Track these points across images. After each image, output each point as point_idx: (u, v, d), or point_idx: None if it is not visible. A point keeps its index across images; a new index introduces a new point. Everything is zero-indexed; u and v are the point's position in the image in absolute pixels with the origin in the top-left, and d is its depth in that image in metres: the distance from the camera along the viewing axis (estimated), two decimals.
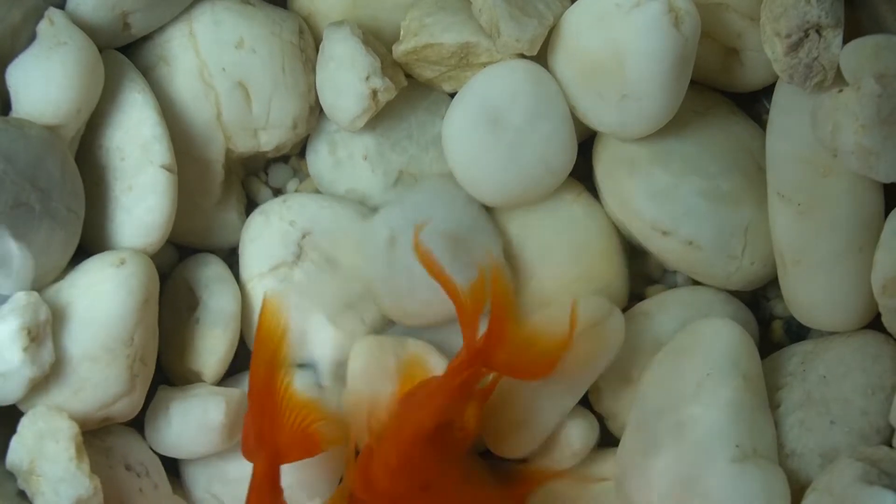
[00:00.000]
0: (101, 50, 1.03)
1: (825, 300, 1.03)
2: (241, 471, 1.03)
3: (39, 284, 0.99)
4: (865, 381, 1.02)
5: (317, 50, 1.10)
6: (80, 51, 1.00)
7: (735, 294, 1.09)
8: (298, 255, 1.07)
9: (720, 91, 1.12)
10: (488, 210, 1.08)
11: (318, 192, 1.12)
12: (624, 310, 1.07)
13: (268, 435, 0.96)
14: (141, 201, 1.03)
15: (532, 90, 1.05)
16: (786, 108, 1.04)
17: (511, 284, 1.00)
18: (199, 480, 1.06)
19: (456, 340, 1.03)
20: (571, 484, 1.05)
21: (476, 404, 0.96)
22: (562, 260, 1.07)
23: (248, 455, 0.96)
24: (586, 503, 1.04)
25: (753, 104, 1.14)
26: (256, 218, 1.09)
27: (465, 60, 1.07)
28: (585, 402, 1.06)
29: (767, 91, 1.09)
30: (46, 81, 0.99)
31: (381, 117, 1.09)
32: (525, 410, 1.01)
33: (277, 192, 1.15)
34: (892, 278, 0.98)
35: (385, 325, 1.08)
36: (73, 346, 0.97)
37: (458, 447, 0.96)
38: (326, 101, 1.08)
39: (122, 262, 1.00)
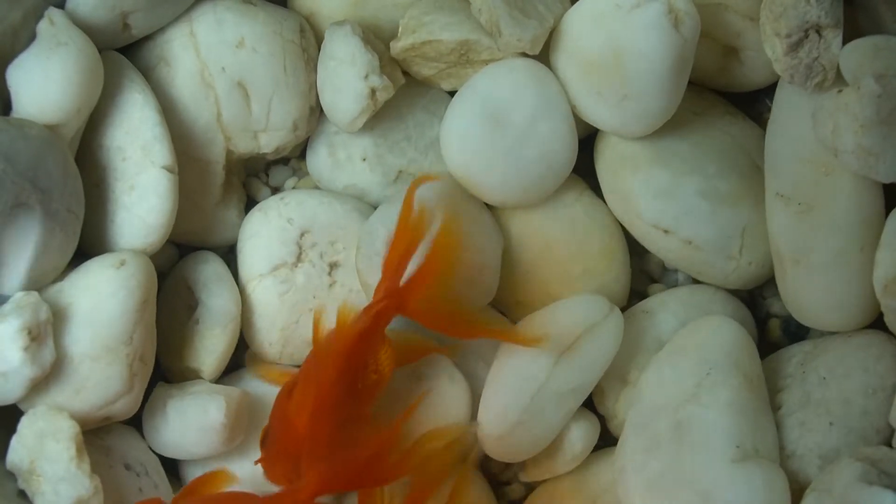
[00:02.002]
0: (101, 50, 1.03)
1: (826, 300, 1.03)
2: (242, 471, 1.03)
3: (39, 284, 0.99)
4: (866, 381, 1.02)
5: (318, 50, 1.10)
6: (80, 51, 1.00)
7: (732, 293, 1.09)
8: (299, 256, 1.07)
9: (717, 91, 1.12)
10: (489, 208, 1.08)
11: (316, 188, 1.12)
12: (625, 308, 1.08)
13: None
14: (142, 202, 1.03)
15: (534, 88, 1.05)
16: (787, 108, 1.04)
17: (458, 235, 0.99)
18: None
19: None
20: (571, 484, 1.06)
21: (390, 348, 0.96)
22: (563, 259, 1.07)
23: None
24: (585, 503, 1.04)
25: (754, 103, 1.14)
26: (255, 215, 1.09)
27: (465, 57, 1.07)
28: (587, 403, 1.06)
29: (769, 90, 1.09)
30: (46, 81, 0.99)
31: (379, 118, 1.09)
32: (526, 412, 1.01)
33: (277, 191, 1.14)
34: (894, 278, 0.98)
35: None
36: (74, 345, 0.98)
37: (372, 389, 0.96)
38: (326, 101, 1.08)
39: (123, 264, 1.00)
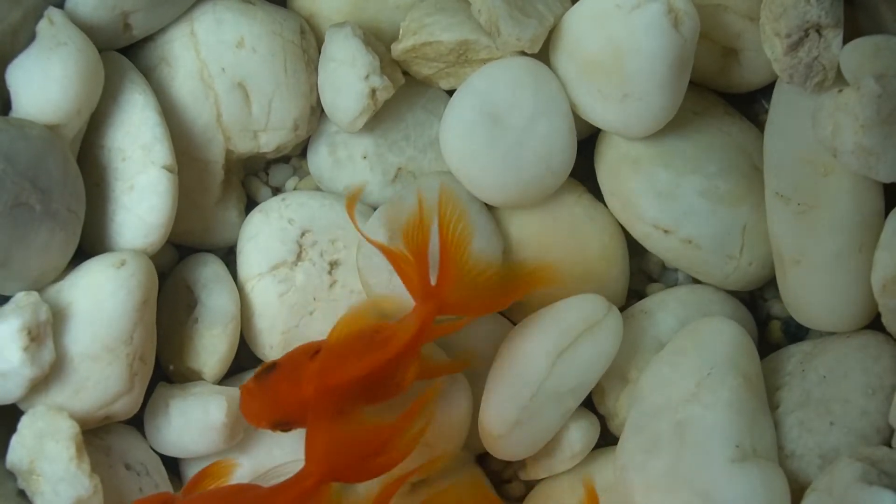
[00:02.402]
0: (101, 51, 1.03)
1: (825, 300, 1.03)
2: (242, 470, 1.03)
3: (39, 284, 0.99)
4: (866, 381, 1.02)
5: (319, 51, 1.10)
6: (81, 51, 1.00)
7: (733, 294, 1.09)
8: (298, 255, 1.08)
9: (716, 92, 1.12)
10: (489, 209, 1.08)
11: (317, 189, 1.12)
12: (623, 308, 1.08)
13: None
14: (142, 201, 1.03)
15: (533, 88, 1.05)
16: (785, 108, 1.04)
17: (461, 217, 0.98)
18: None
19: (460, 336, 1.04)
20: (570, 483, 1.06)
21: (418, 366, 0.96)
22: (563, 261, 1.07)
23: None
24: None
25: (751, 104, 1.14)
26: (255, 216, 1.09)
27: (463, 57, 1.07)
28: (587, 403, 1.06)
29: (765, 91, 1.09)
30: (47, 81, 0.99)
31: (379, 118, 1.09)
32: (525, 411, 1.01)
33: (277, 191, 1.15)
34: (892, 278, 0.98)
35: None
36: (74, 345, 0.98)
37: (384, 397, 0.96)
38: (327, 102, 1.08)
39: (123, 264, 1.00)
